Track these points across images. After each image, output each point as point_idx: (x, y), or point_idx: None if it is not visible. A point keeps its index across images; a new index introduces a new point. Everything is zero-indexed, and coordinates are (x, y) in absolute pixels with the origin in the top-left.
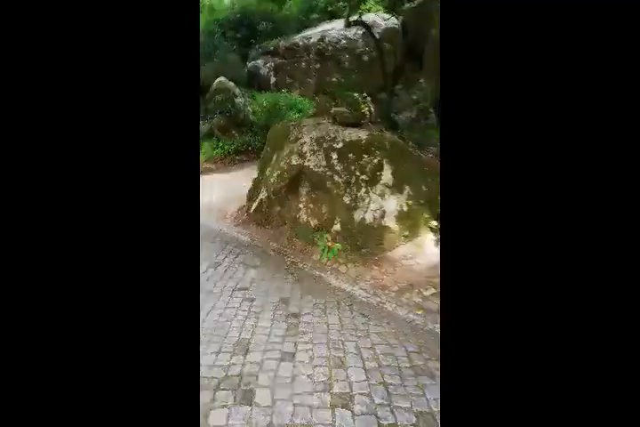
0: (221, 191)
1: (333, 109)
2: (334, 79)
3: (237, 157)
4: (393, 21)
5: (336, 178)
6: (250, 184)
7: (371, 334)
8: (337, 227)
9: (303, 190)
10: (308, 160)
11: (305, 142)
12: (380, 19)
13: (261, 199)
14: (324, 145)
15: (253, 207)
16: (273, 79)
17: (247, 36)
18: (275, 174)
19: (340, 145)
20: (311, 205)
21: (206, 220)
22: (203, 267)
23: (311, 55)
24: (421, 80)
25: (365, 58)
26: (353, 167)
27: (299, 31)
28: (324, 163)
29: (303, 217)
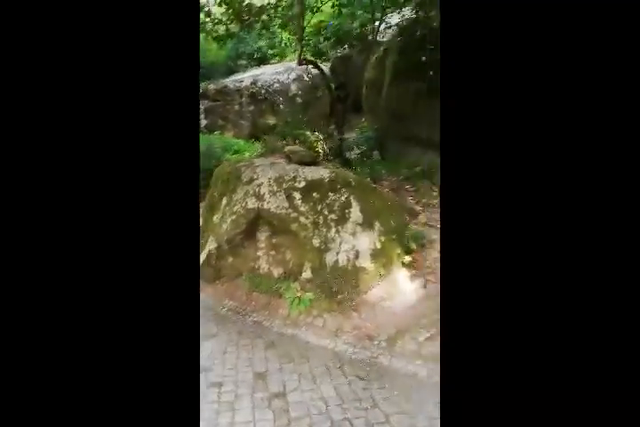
0: None
1: (287, 148)
2: (269, 121)
3: None
4: (322, 68)
5: (302, 219)
6: None
7: (379, 403)
8: (307, 274)
9: (261, 236)
10: (268, 202)
11: (262, 184)
12: (311, 65)
13: (209, 251)
14: (284, 185)
15: (201, 261)
16: (204, 121)
17: None
18: (228, 220)
19: (303, 184)
20: (272, 252)
21: None
22: None
23: (244, 98)
24: (363, 119)
25: (299, 100)
26: (319, 207)
27: (227, 76)
28: (285, 204)
29: (264, 266)
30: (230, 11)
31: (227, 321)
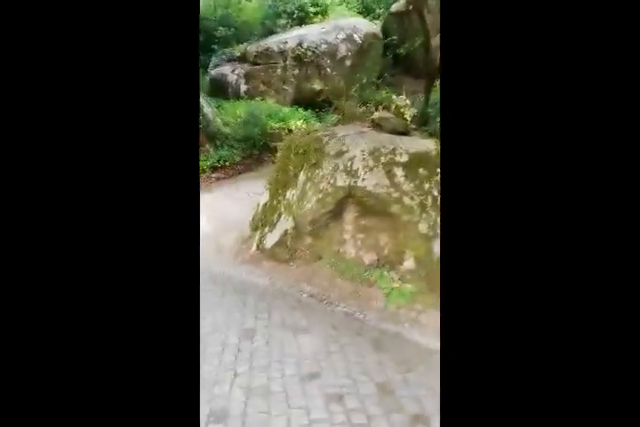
0: (205, 218)
1: (376, 115)
2: (315, 86)
3: (213, 175)
4: (373, 26)
5: (406, 200)
6: (241, 208)
7: None
8: (409, 263)
9: (349, 216)
10: (363, 179)
11: (354, 157)
12: (361, 23)
13: (286, 231)
14: (382, 159)
15: (274, 240)
16: (244, 87)
17: (203, 43)
18: (312, 199)
19: (405, 158)
20: (361, 236)
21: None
22: (233, 339)
23: (288, 61)
24: (438, 82)
25: (348, 63)
26: (427, 186)
27: (262, 37)
28: (386, 182)
29: (350, 251)
30: None
31: (313, 310)
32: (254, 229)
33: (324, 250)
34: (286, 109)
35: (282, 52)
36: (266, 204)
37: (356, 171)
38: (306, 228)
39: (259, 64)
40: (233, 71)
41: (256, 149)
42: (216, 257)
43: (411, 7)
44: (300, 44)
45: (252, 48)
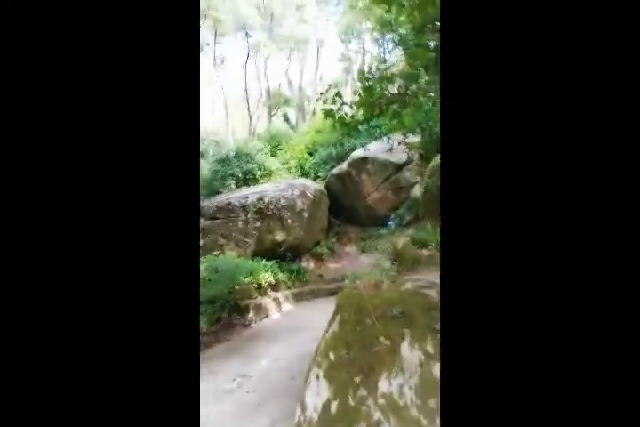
0: None
1: None
2: (278, 237)
3: None
4: (318, 185)
5: None
6: (238, 409)
7: None
8: None
9: None
10: None
11: None
12: (308, 183)
13: None
14: None
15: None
16: (200, 242)
17: None
18: None
19: None
20: None
21: None
22: None
23: (249, 214)
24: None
25: (305, 215)
26: None
27: (211, 197)
28: None
29: None
30: (367, 96)
31: None
32: None
33: None
34: (250, 262)
35: (243, 207)
36: (328, 403)
37: None
38: None
39: (217, 218)
40: None
41: (224, 312)
42: None
43: (351, 170)
44: (260, 199)
45: (211, 203)
